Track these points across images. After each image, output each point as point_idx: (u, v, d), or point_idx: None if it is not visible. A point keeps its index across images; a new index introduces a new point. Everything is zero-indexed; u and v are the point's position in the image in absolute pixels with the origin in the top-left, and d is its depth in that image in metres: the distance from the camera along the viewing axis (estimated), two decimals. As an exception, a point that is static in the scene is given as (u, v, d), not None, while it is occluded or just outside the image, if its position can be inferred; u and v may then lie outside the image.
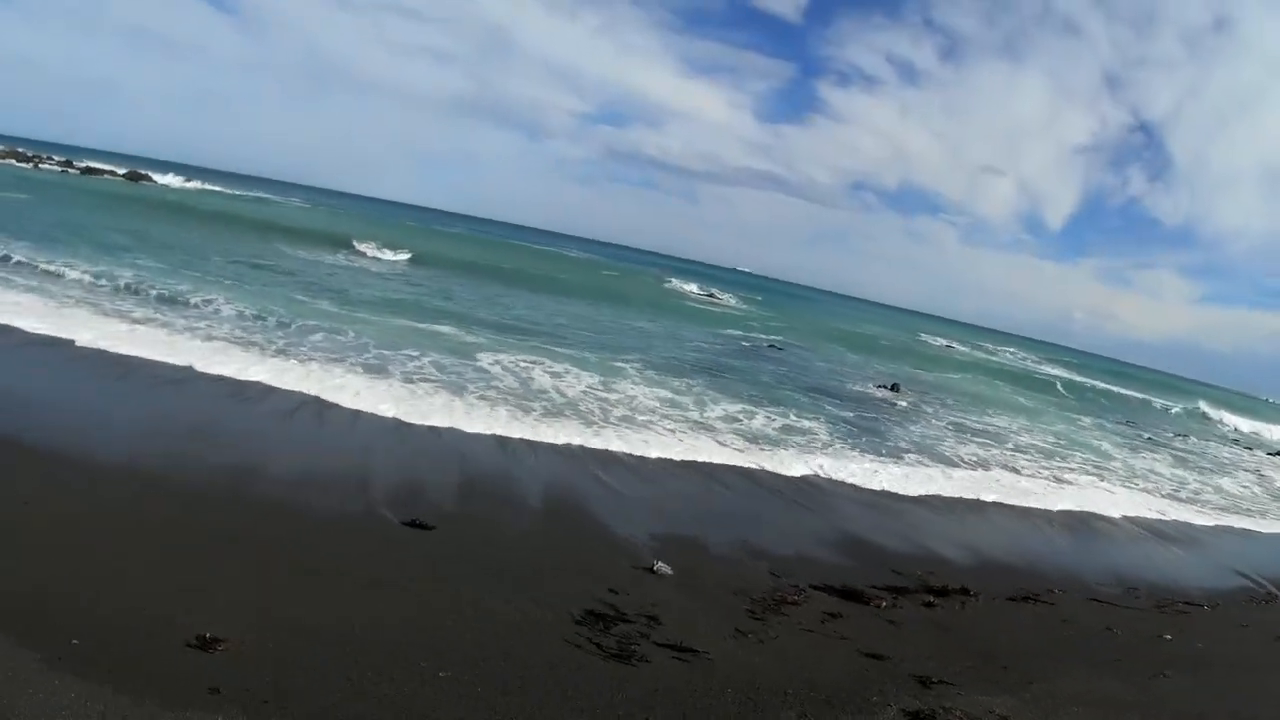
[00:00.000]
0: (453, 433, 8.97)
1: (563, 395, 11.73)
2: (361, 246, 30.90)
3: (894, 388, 21.20)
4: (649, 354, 17.62)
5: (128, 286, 13.71)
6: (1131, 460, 17.64)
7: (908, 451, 12.90)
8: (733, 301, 48.14)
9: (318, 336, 12.60)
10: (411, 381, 10.83)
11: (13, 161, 46.82)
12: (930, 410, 18.64)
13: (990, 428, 17.64)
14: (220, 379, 9.31)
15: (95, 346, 9.55)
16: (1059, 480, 13.28)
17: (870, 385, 21.15)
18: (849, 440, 12.75)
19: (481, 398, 10.62)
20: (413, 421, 9.03)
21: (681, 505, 8.11)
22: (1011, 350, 64.47)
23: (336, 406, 9.07)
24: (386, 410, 9.20)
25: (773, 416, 13.32)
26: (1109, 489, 13.51)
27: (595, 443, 9.55)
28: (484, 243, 57.61)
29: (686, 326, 27.42)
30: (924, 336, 56.97)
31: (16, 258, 14.37)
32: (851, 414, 15.42)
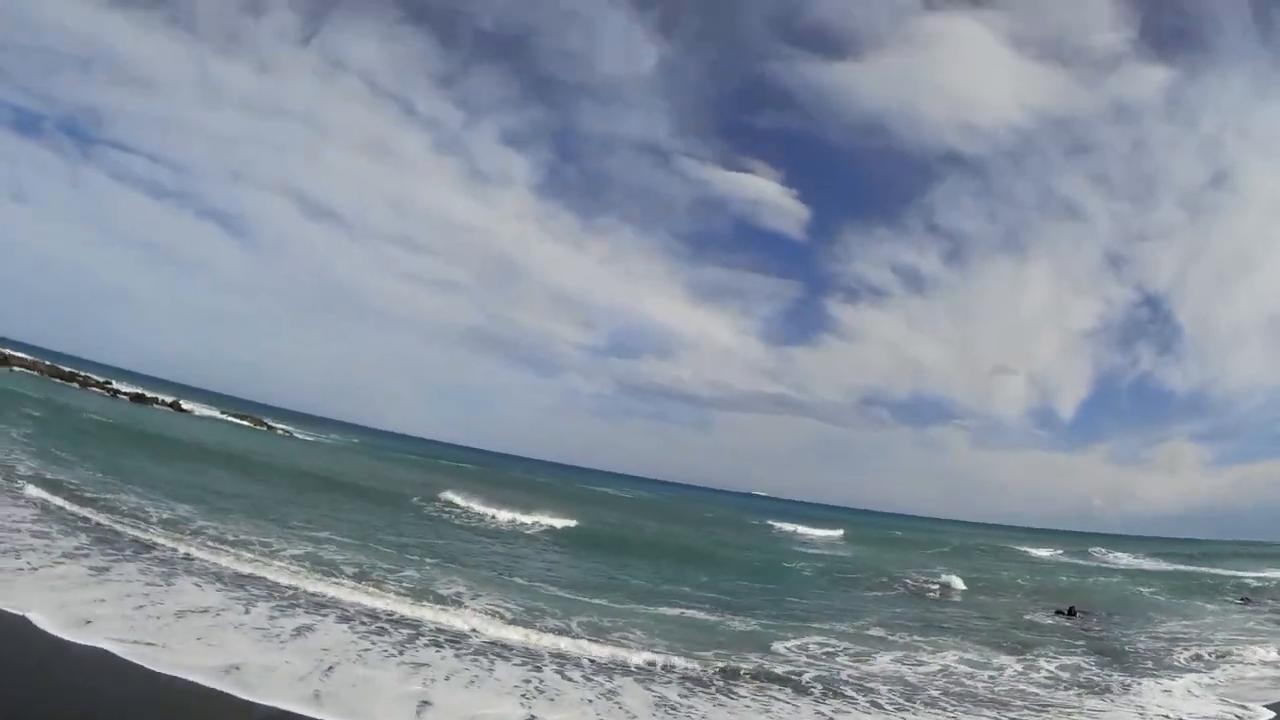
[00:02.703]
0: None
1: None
2: (459, 499, 25.95)
3: (1070, 612, 18.59)
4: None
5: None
6: None
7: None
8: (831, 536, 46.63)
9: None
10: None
11: (57, 380, 48.25)
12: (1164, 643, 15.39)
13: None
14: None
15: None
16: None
17: (1040, 613, 18.97)
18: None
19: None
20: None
21: None
22: (1100, 549, 59.24)
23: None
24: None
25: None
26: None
27: None
28: (552, 491, 49.01)
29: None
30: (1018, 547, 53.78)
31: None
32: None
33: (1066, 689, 11.02)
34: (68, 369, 56.70)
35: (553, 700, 7.59)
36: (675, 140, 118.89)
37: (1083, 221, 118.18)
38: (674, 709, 7.94)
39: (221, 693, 6.44)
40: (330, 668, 7.47)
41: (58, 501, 12.85)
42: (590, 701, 7.76)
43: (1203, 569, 41.73)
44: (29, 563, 9.13)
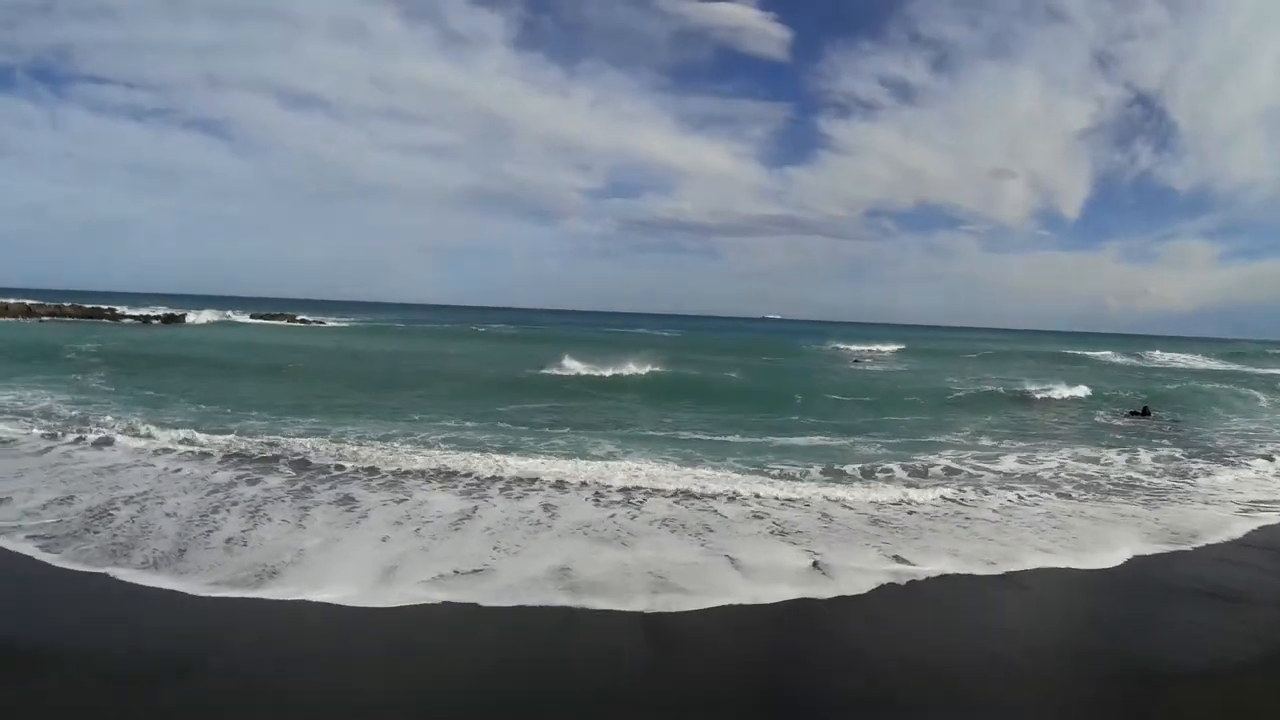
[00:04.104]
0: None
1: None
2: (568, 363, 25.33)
3: (1145, 412, 20.21)
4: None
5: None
6: None
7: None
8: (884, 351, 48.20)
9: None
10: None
11: (86, 320, 47.25)
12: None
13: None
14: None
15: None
16: None
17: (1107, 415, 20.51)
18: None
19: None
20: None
21: None
22: (1156, 351, 60.18)
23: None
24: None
25: None
26: None
27: None
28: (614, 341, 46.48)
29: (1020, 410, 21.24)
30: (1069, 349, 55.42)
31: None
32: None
33: (1172, 476, 12.25)
34: (89, 305, 56.64)
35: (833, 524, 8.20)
36: None
37: (1066, 23, 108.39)
38: (884, 519, 8.56)
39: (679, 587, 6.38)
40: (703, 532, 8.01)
41: (211, 440, 11.73)
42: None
43: (1247, 368, 42.98)
44: (284, 521, 7.95)
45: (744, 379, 26.40)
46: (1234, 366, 45.14)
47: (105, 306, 56.38)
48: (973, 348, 56.86)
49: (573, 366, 24.89)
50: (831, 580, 6.65)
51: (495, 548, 7.23)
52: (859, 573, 6.84)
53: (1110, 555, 7.79)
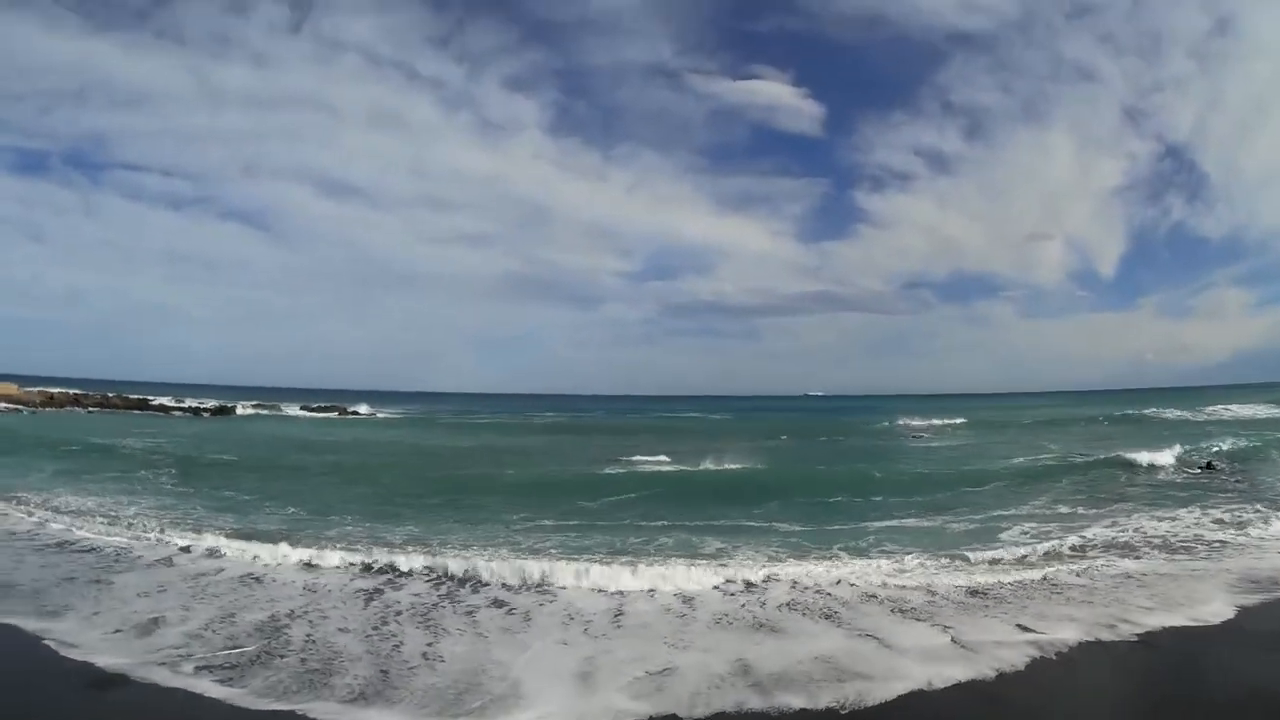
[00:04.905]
0: None
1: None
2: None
3: (1209, 466, 20.64)
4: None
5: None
6: None
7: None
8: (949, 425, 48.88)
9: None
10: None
11: (135, 411, 48.91)
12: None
13: None
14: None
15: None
16: None
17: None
18: None
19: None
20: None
21: None
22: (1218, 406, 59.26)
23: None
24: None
25: None
26: None
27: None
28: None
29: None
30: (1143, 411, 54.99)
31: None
32: None
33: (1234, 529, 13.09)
34: (136, 397, 58.49)
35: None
36: (680, 59, 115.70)
37: (1096, 82, 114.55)
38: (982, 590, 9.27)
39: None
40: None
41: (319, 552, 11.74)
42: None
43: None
44: (460, 630, 8.28)
45: (819, 463, 26.53)
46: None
47: (151, 398, 58.41)
48: (1021, 415, 56.84)
49: (648, 460, 25.72)
50: (977, 654, 7.38)
51: (666, 643, 7.96)
52: (998, 645, 7.58)
53: (1206, 609, 8.54)
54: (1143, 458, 22.50)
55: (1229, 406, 54.48)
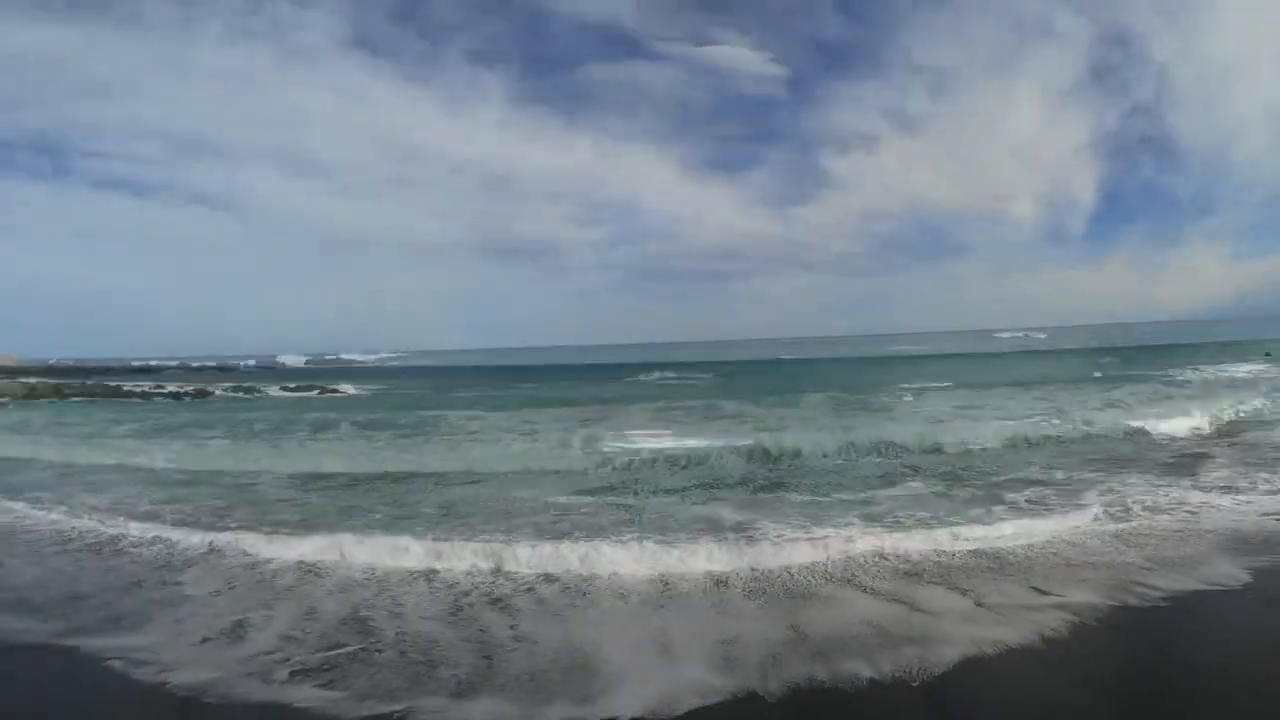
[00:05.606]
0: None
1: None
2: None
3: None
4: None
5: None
6: None
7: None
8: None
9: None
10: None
11: (116, 400, 48.18)
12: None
13: None
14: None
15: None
16: None
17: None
18: None
19: None
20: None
21: None
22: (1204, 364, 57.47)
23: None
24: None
25: None
26: None
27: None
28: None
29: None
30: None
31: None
32: None
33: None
34: (114, 384, 58.13)
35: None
36: (642, 25, 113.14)
37: (1060, 38, 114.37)
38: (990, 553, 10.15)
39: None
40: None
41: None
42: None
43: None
44: (532, 610, 8.68)
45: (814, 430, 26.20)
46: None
47: (127, 384, 58.09)
48: (1000, 373, 54.82)
49: (646, 441, 25.70)
50: (1007, 617, 8.16)
51: (719, 613, 8.57)
52: (1027, 609, 8.36)
53: (1211, 570, 9.33)
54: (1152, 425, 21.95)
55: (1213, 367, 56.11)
